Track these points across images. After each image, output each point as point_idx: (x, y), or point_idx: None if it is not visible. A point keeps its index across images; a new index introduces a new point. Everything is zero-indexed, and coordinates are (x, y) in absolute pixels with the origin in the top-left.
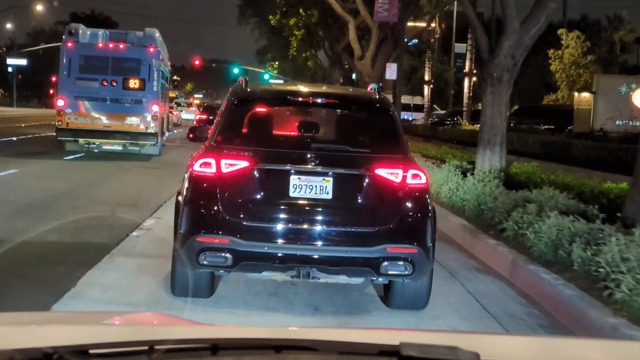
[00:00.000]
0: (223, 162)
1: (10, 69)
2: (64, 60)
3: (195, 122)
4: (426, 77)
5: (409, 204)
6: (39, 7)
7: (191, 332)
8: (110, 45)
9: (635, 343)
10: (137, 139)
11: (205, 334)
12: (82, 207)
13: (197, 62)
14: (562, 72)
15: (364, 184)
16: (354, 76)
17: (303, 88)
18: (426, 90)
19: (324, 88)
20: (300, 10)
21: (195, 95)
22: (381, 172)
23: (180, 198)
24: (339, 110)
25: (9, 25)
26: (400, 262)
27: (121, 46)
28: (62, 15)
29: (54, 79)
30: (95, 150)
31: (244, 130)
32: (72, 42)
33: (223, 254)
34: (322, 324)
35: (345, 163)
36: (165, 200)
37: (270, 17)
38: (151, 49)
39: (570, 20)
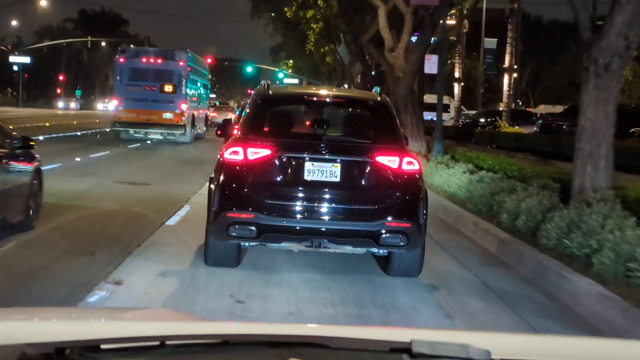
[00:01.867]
0: (249, 150)
1: (15, 68)
2: (118, 71)
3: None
4: (456, 74)
5: (404, 186)
6: (43, 2)
7: (202, 328)
8: (151, 60)
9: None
10: (170, 129)
11: (216, 329)
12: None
13: (209, 61)
14: None
15: (367, 169)
16: (373, 73)
17: (316, 90)
18: (456, 88)
19: (333, 90)
20: (319, 1)
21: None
22: (381, 159)
23: (212, 181)
24: (345, 108)
25: (14, 22)
26: (397, 235)
27: (159, 61)
28: (70, 12)
29: (61, 77)
30: (147, 141)
31: (267, 124)
32: (124, 57)
33: (249, 227)
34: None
35: (351, 152)
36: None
37: (286, 9)
38: (181, 63)
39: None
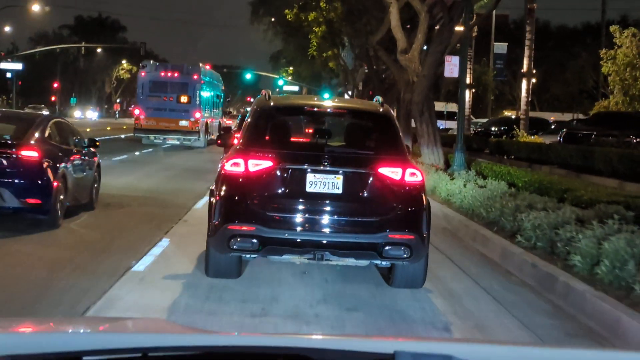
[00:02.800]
0: (250, 162)
1: (9, 75)
2: (140, 83)
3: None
4: (467, 80)
5: (407, 198)
6: (35, 7)
7: (185, 340)
8: (169, 74)
9: (635, 354)
10: (186, 135)
11: (199, 341)
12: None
13: (207, 67)
14: (615, 75)
15: (369, 180)
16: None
17: (317, 101)
18: (467, 95)
19: (335, 101)
20: (322, 3)
21: None
22: (383, 170)
23: (213, 192)
24: (347, 119)
25: (7, 29)
26: (400, 247)
27: (176, 74)
28: (66, 19)
29: (55, 85)
30: (163, 145)
31: (268, 135)
32: (145, 72)
33: (250, 240)
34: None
35: (353, 163)
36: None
37: (287, 11)
38: (195, 76)
39: (609, 20)
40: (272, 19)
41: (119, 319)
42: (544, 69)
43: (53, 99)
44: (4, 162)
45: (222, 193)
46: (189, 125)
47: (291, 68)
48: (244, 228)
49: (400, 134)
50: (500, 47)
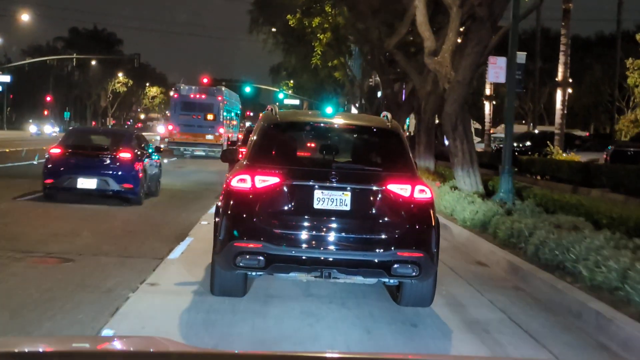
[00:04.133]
0: (257, 178)
1: (0, 88)
2: (172, 104)
3: None
4: (487, 92)
5: (416, 215)
6: (25, 17)
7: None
8: (197, 96)
9: None
10: (211, 147)
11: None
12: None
13: (205, 81)
14: None
15: (378, 197)
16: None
17: (324, 116)
18: (487, 107)
19: (342, 116)
20: (327, 7)
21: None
22: (392, 187)
23: (219, 209)
24: (355, 135)
25: None
26: (409, 265)
27: (203, 96)
28: (60, 31)
29: (48, 98)
30: (189, 155)
31: (274, 151)
32: (177, 94)
33: (257, 257)
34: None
35: (361, 179)
36: None
37: (289, 16)
38: (219, 98)
39: (625, 31)
40: (273, 29)
41: (121, 336)
42: (555, 82)
43: (45, 113)
44: (108, 161)
45: (228, 209)
46: (214, 138)
47: (292, 81)
48: (251, 245)
49: (409, 149)
50: (519, 57)
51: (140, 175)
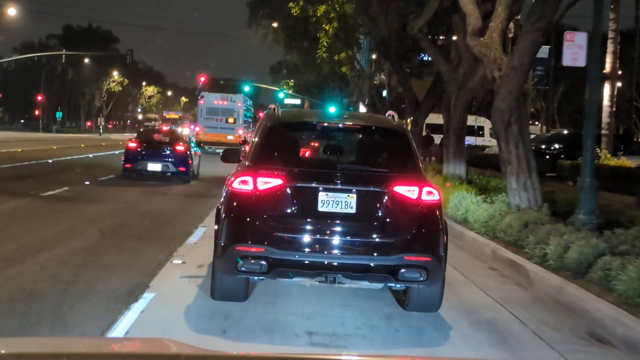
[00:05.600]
0: (259, 180)
1: None
2: (199, 109)
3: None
4: None
5: (424, 218)
6: (11, 11)
7: None
8: (220, 102)
9: None
10: (232, 146)
11: None
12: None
13: (202, 79)
14: None
15: (384, 199)
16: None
17: (328, 116)
18: None
19: (347, 115)
20: None
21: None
22: (399, 189)
23: (220, 211)
24: (360, 135)
25: None
26: (416, 270)
27: (225, 102)
28: (54, 29)
29: (39, 97)
30: (212, 152)
31: (278, 152)
32: (203, 100)
33: (259, 262)
34: None
35: (367, 181)
36: None
37: (291, 4)
38: (239, 104)
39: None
40: (274, 24)
41: (121, 339)
42: (570, 80)
43: (37, 112)
44: (168, 151)
45: (230, 212)
46: (234, 138)
47: (292, 81)
48: (253, 249)
49: (416, 150)
50: (542, 52)
51: (190, 161)
